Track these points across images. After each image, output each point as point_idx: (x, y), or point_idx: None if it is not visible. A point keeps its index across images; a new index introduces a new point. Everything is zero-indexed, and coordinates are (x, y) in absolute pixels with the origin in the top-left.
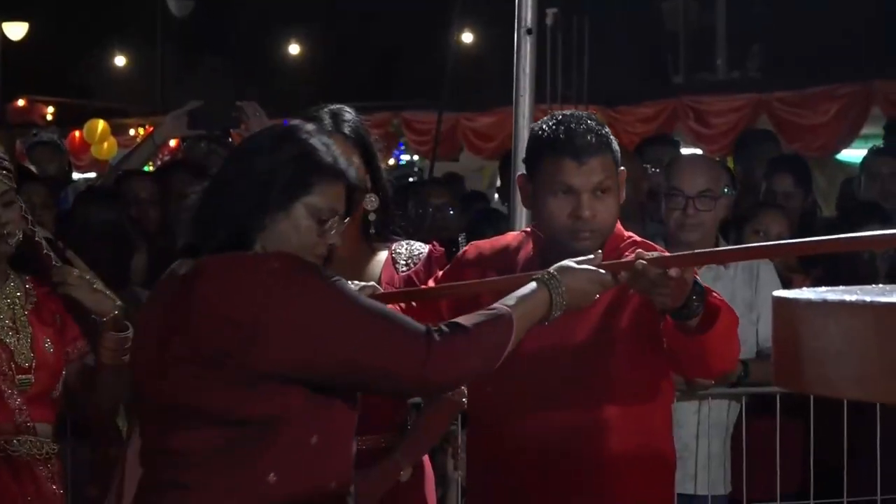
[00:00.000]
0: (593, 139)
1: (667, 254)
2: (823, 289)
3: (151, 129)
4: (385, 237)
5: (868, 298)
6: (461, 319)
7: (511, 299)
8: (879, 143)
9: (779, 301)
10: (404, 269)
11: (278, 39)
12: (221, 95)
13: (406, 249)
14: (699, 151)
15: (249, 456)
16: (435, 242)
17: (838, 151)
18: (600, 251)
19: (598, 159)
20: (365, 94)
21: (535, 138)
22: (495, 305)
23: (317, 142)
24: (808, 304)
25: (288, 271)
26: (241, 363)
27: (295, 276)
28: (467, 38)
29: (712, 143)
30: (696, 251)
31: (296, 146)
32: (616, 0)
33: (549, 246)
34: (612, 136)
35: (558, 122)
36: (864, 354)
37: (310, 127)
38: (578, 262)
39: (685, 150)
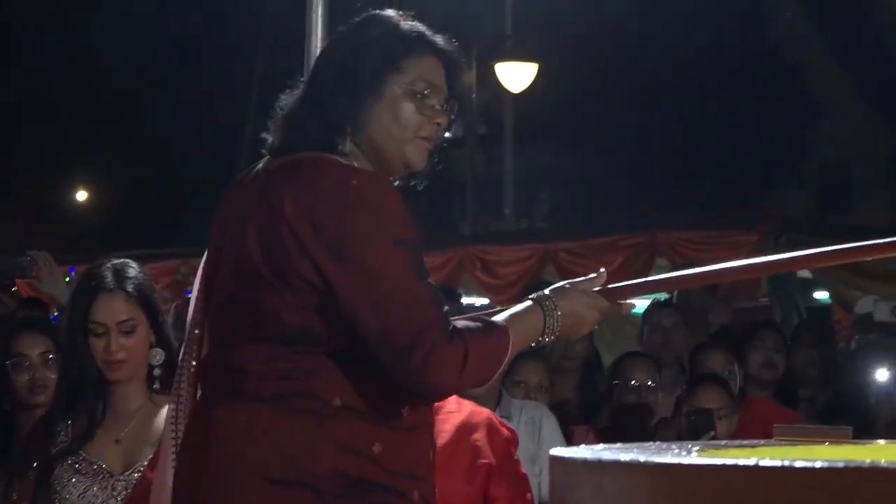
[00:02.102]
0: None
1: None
2: (601, 446)
3: None
4: (170, 392)
5: (642, 458)
6: (464, 326)
7: (505, 315)
8: (664, 294)
9: (555, 459)
10: None
11: (64, 185)
12: (6, 241)
13: None
14: (486, 301)
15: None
16: None
17: None
18: (603, 270)
19: None
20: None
21: None
22: (492, 319)
23: (399, 20)
24: (584, 462)
25: (363, 195)
26: (294, 269)
27: (370, 203)
28: None
29: (499, 293)
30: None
31: (377, 26)
32: None
33: None
34: None
35: None
36: None
37: (391, 11)
38: (577, 283)
39: (471, 300)
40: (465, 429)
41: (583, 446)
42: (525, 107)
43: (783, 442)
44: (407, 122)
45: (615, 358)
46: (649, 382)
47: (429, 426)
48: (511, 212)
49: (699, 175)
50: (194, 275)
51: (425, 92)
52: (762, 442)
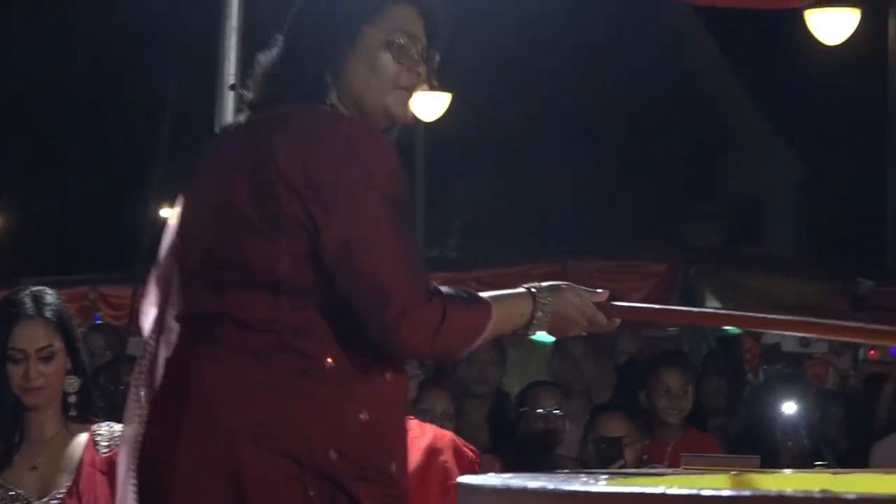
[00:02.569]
0: None
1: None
2: (510, 475)
3: None
4: (85, 419)
5: (551, 486)
6: (446, 292)
7: (492, 294)
8: None
9: (464, 487)
10: (105, 450)
11: None
12: None
13: (107, 430)
14: None
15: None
16: None
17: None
18: (607, 291)
19: None
20: (63, 267)
21: None
22: (477, 294)
23: None
24: (493, 490)
25: (355, 145)
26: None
27: (361, 153)
28: (165, 212)
29: None
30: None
31: None
32: None
33: None
34: None
35: None
36: None
37: None
38: (576, 287)
39: None
40: (433, 452)
41: (491, 474)
42: (437, 136)
43: (691, 471)
44: (385, 72)
45: (523, 386)
46: (556, 410)
47: (405, 392)
48: (422, 240)
49: (610, 205)
50: (102, 301)
51: (403, 41)
52: (670, 471)
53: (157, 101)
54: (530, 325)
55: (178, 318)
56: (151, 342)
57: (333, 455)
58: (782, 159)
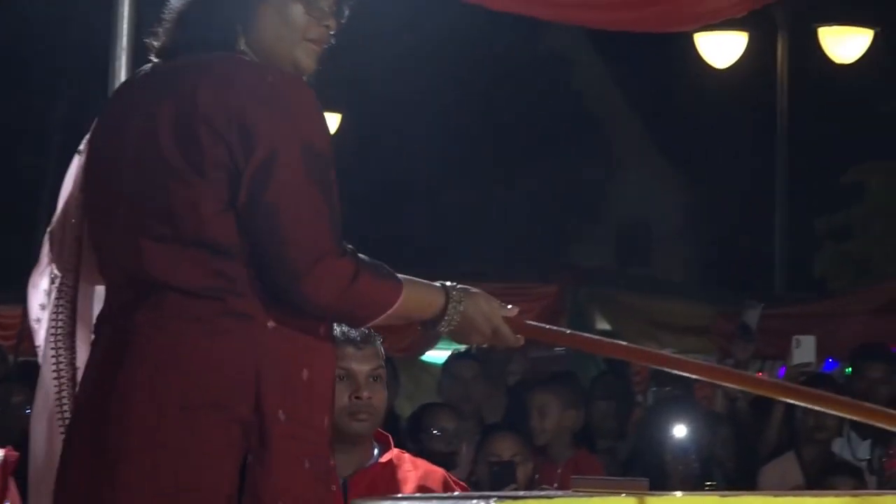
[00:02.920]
0: None
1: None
2: (401, 495)
3: None
4: None
5: None
6: (360, 255)
7: (407, 277)
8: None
9: None
10: None
11: None
12: None
13: None
14: None
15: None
16: (10, 448)
17: (423, 353)
18: (517, 308)
19: None
20: None
21: None
22: (392, 271)
23: None
24: None
25: (281, 92)
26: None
27: (286, 100)
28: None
29: None
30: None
31: None
32: None
33: None
34: None
35: None
36: None
37: None
38: (488, 296)
39: None
40: (424, 489)
41: (387, 496)
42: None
43: (580, 493)
44: (295, 24)
45: (415, 408)
46: (453, 431)
47: (334, 347)
48: None
49: (498, 226)
50: None
51: None
52: (559, 493)
53: (44, 123)
54: (440, 322)
55: (111, 277)
56: (58, 305)
57: (282, 416)
58: (671, 182)
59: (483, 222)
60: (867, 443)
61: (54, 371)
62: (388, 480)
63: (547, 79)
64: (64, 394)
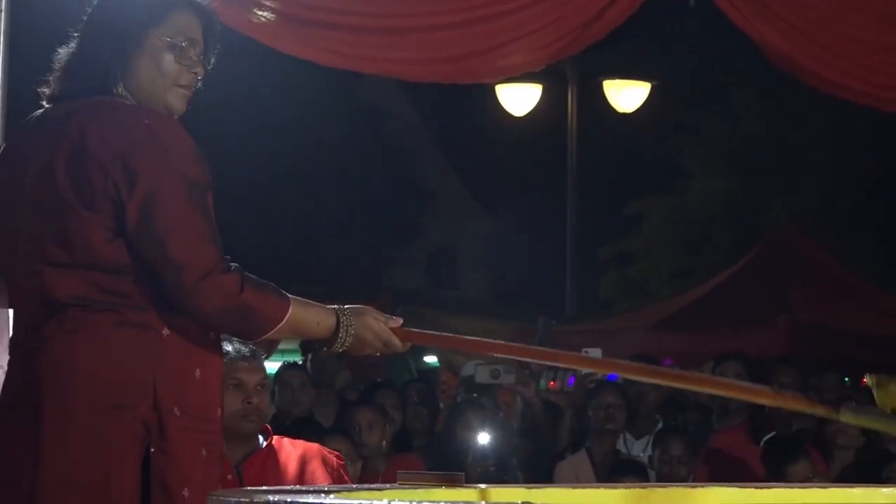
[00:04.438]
0: None
1: None
2: (253, 488)
3: None
4: None
5: (289, 499)
6: (245, 273)
7: (298, 297)
8: (296, 357)
9: (214, 499)
10: None
11: None
12: None
13: None
14: None
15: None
16: None
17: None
18: (400, 319)
19: None
20: None
21: None
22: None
23: None
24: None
25: (156, 132)
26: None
27: (161, 138)
28: None
29: None
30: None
31: None
32: None
33: None
34: None
35: None
36: None
37: None
38: (374, 313)
39: None
40: (304, 461)
41: (240, 489)
42: None
43: (406, 485)
44: (168, 72)
45: None
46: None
47: (221, 347)
48: None
49: (322, 252)
50: None
51: (184, 45)
52: (388, 486)
53: None
54: (335, 343)
55: (18, 300)
56: None
57: (177, 411)
58: (475, 215)
59: (307, 248)
60: (641, 441)
61: None
62: (275, 460)
63: (367, 126)
64: None
